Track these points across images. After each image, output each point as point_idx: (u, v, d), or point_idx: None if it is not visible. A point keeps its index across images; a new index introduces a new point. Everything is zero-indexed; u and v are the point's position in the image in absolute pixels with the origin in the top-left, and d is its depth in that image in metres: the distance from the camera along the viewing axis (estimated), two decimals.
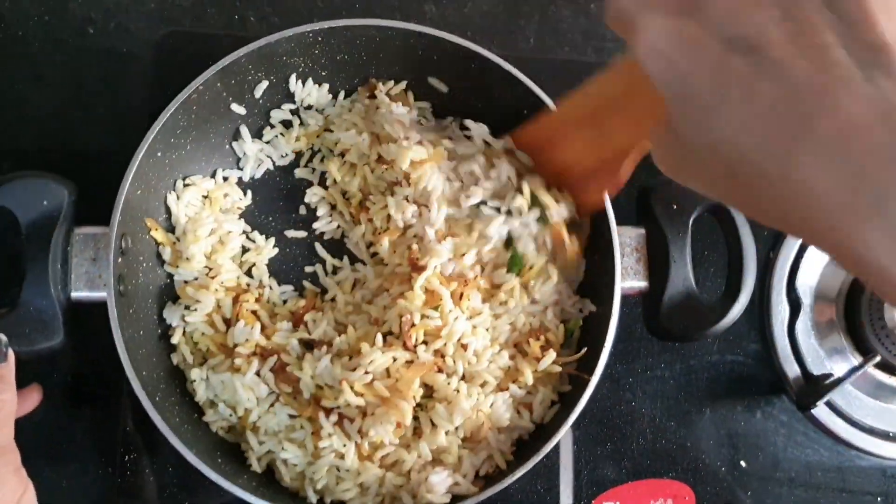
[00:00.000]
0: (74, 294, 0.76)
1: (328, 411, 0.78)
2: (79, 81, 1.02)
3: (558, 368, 0.81)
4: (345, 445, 0.78)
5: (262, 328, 0.82)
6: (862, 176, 0.39)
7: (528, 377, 0.80)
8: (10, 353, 0.69)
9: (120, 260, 0.77)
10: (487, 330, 0.81)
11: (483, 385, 0.80)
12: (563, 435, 0.79)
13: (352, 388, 0.76)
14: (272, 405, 0.81)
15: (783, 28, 0.41)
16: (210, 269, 0.85)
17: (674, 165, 0.50)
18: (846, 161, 0.39)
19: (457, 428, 0.79)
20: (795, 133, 0.40)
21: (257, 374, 0.80)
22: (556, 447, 0.92)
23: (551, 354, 0.81)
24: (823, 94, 0.40)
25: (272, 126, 0.92)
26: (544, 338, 0.82)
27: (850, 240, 0.40)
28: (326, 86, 0.91)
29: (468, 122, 0.88)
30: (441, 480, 0.77)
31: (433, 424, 0.79)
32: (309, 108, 0.92)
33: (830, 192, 0.40)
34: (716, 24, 0.42)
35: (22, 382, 0.90)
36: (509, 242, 0.84)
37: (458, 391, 0.78)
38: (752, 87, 0.41)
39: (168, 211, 0.86)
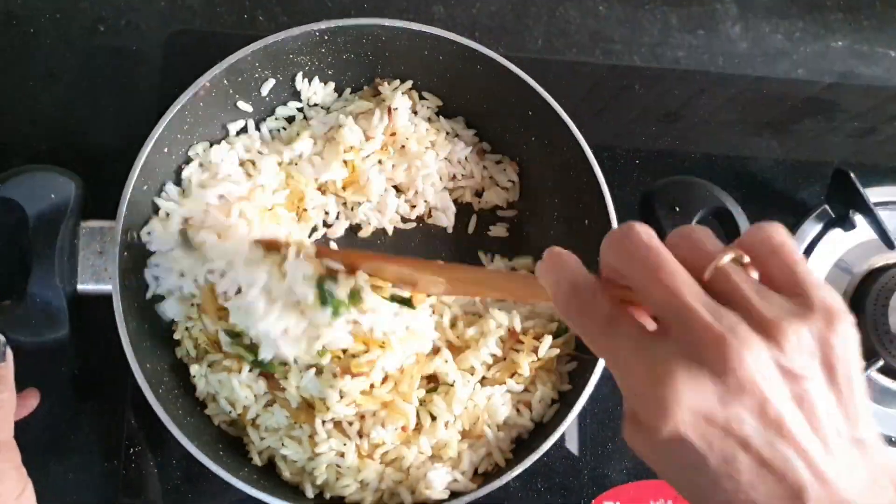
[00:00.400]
0: (80, 287, 0.77)
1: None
2: (89, 79, 1.03)
3: (556, 351, 0.82)
4: (345, 444, 0.78)
5: None
6: None
7: (525, 369, 0.80)
8: (9, 353, 0.70)
9: (126, 254, 0.78)
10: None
11: (472, 372, 0.81)
12: (566, 434, 0.79)
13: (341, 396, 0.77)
14: (269, 405, 0.82)
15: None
16: None
17: (655, 469, 0.50)
18: None
19: (456, 418, 0.80)
20: None
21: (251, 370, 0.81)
22: (559, 447, 0.93)
23: (547, 340, 0.81)
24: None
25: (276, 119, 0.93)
26: (533, 332, 0.83)
27: None
28: (332, 84, 0.92)
29: None
30: (440, 476, 0.78)
31: (433, 418, 0.79)
32: (314, 105, 0.93)
33: None
34: (746, 413, 0.43)
35: (28, 374, 0.91)
36: None
37: (453, 382, 0.78)
38: (759, 478, 0.43)
39: None
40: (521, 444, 0.83)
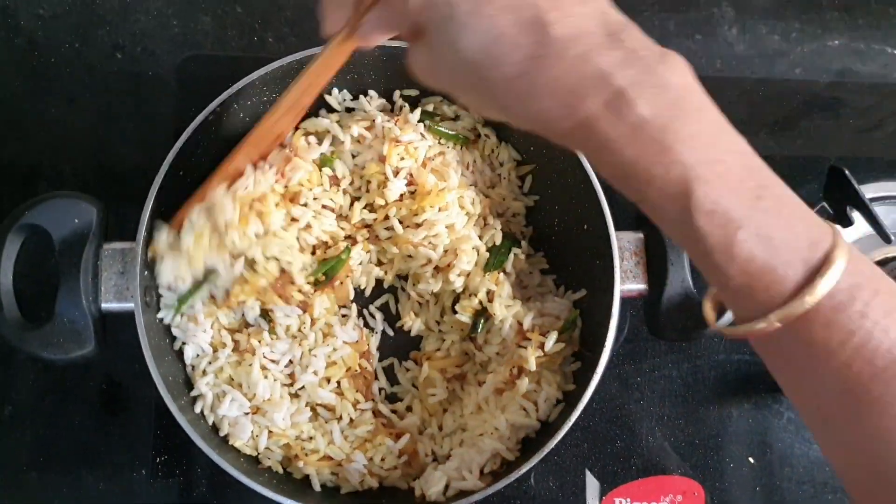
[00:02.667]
0: (104, 305, 0.81)
1: None
2: (108, 103, 1.08)
3: (562, 345, 0.86)
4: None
5: None
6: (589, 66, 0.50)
7: (532, 363, 0.83)
8: None
9: (146, 273, 0.82)
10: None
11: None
12: (574, 433, 0.82)
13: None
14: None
15: None
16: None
17: (426, 75, 0.58)
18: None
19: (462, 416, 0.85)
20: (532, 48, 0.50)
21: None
22: (567, 445, 0.96)
23: (553, 335, 0.85)
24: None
25: None
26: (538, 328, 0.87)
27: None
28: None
29: None
30: (443, 476, 0.81)
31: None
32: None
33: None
34: None
35: (58, 390, 0.96)
36: None
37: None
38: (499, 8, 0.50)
39: None
40: (528, 444, 0.86)
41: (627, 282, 0.84)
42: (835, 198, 1.01)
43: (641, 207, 0.54)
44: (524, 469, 0.78)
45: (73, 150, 1.07)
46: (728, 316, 0.57)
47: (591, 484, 0.97)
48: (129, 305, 0.80)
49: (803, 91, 1.14)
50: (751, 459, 0.99)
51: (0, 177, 1.05)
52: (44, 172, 1.05)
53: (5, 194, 1.04)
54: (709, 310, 0.60)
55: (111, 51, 1.10)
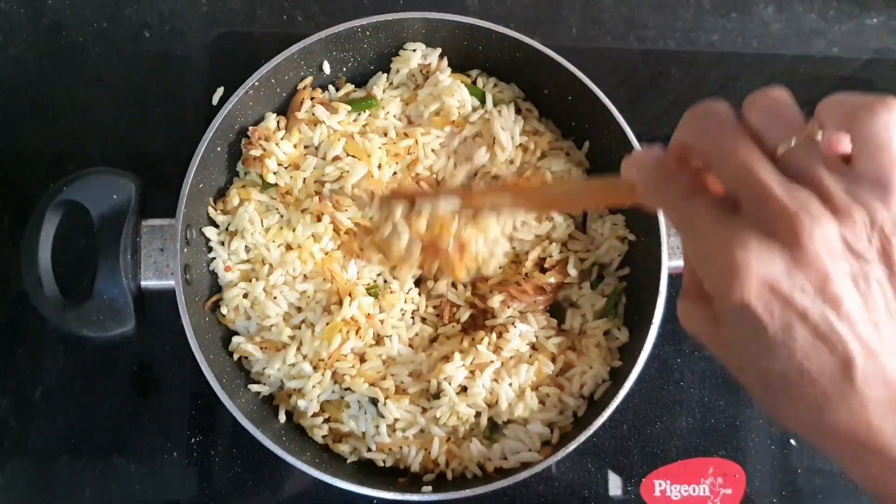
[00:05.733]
0: (144, 283, 0.80)
1: None
2: (137, 83, 1.07)
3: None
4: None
5: None
6: None
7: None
8: None
9: (185, 250, 0.80)
10: None
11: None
12: (615, 413, 0.81)
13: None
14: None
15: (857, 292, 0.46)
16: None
17: (699, 336, 0.53)
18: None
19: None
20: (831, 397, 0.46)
21: None
22: (608, 427, 0.94)
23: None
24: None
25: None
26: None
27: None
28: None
29: None
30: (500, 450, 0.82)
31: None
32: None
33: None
34: (808, 287, 0.45)
35: (95, 369, 0.95)
36: None
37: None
38: (812, 349, 0.45)
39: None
40: (575, 422, 0.85)
41: (674, 258, 0.82)
42: None
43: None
44: (573, 446, 0.77)
45: (102, 130, 1.05)
46: None
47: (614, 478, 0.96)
48: (169, 283, 0.79)
49: (841, 70, 1.13)
50: (792, 441, 0.98)
51: (30, 158, 1.04)
52: (74, 153, 1.04)
53: (36, 176, 1.03)
54: None
55: (139, 30, 1.09)
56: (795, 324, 0.45)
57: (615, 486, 0.95)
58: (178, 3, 1.10)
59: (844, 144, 0.47)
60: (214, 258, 0.87)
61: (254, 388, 0.85)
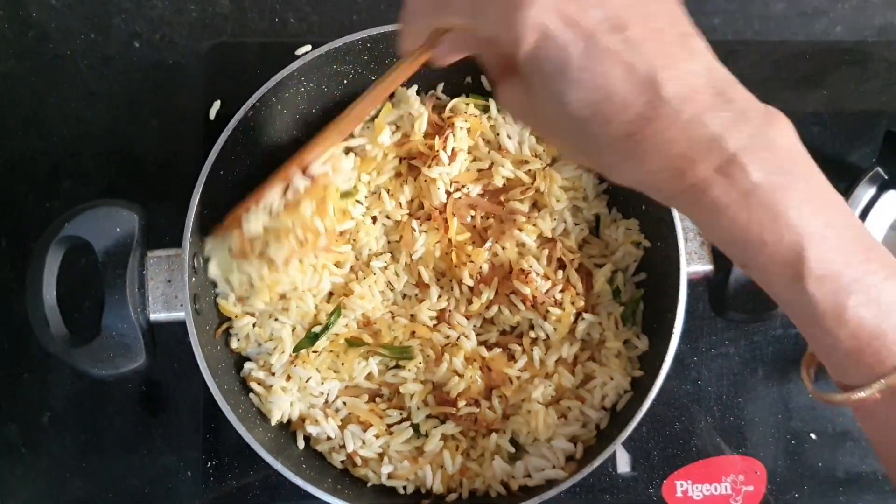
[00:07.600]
0: (153, 316, 0.77)
1: None
2: (130, 95, 1.04)
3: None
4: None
5: None
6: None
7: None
8: None
9: (193, 279, 0.78)
10: None
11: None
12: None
13: None
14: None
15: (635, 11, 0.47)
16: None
17: (522, 116, 0.58)
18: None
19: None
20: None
21: None
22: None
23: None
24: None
25: None
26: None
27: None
28: None
29: None
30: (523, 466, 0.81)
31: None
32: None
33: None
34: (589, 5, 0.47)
35: (107, 405, 0.94)
36: None
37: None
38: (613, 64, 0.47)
39: None
40: (598, 434, 0.84)
41: (693, 264, 0.81)
42: (891, 162, 0.98)
43: (746, 271, 0.52)
44: (599, 462, 0.76)
45: (96, 145, 1.03)
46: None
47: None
48: (178, 315, 0.77)
49: (845, 49, 1.10)
50: (812, 435, 0.97)
51: (23, 174, 1.02)
52: (67, 169, 1.02)
53: (30, 193, 1.01)
54: (805, 374, 0.60)
55: (128, 39, 1.06)
56: (591, 44, 0.46)
57: (636, 488, 0.94)
58: (166, 11, 1.07)
59: None
60: (218, 294, 0.85)
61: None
